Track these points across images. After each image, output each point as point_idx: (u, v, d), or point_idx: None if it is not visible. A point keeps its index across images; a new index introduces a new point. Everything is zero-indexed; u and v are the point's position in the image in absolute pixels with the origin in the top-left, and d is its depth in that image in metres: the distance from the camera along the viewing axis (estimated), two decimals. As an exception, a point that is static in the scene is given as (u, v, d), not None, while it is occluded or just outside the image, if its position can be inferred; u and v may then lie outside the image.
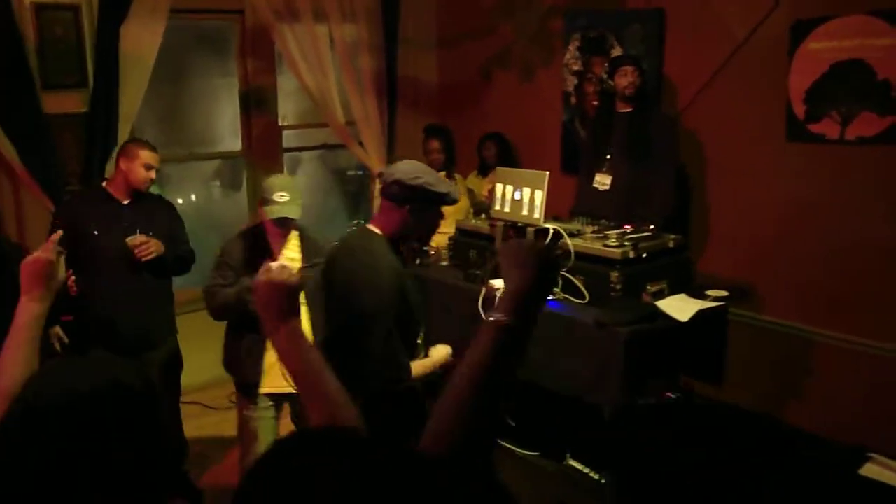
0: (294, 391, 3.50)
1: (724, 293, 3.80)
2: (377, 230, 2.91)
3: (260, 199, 3.58)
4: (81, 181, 4.88)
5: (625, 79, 4.52)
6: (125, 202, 3.97)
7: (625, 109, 4.61)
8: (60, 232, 2.11)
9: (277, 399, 3.72)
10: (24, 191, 4.81)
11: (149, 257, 3.82)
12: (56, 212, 4.30)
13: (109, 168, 4.88)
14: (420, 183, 2.80)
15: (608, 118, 4.73)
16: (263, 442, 3.68)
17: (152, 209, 4.04)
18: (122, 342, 3.84)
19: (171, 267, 4.05)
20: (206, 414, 5.09)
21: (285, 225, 3.57)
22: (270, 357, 3.57)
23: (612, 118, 4.69)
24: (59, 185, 4.78)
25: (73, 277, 3.79)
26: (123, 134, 4.91)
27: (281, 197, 3.46)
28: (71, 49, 4.88)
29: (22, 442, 1.23)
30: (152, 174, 3.97)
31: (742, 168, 4.53)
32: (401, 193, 2.82)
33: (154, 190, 4.26)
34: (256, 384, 3.63)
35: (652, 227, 3.99)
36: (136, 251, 3.81)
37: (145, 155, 3.93)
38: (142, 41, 4.94)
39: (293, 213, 3.50)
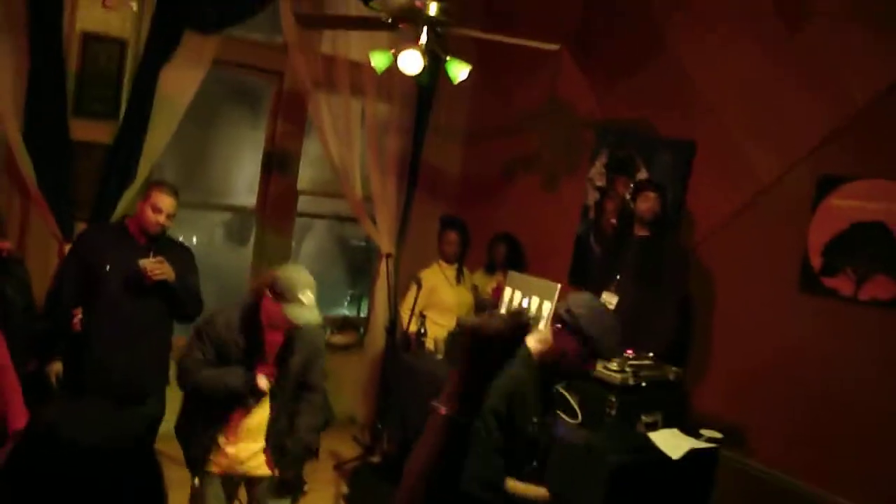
0: (244, 474, 3.42)
1: (718, 435, 3.74)
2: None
3: (275, 292, 3.26)
4: (92, 212, 4.84)
5: (646, 203, 4.55)
6: (142, 242, 3.89)
7: (641, 233, 4.62)
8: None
9: (232, 480, 3.56)
10: (33, 210, 4.77)
11: (159, 277, 3.74)
12: (76, 240, 4.24)
13: (123, 202, 4.88)
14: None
15: (624, 239, 4.74)
16: None
17: (169, 252, 3.92)
18: (114, 387, 3.75)
19: (179, 300, 3.90)
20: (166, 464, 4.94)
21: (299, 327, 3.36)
22: (228, 437, 3.41)
23: (628, 240, 4.69)
24: (68, 212, 4.75)
25: (79, 315, 3.75)
26: (143, 171, 4.91)
27: (305, 297, 3.24)
28: (110, 81, 4.90)
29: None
30: (161, 218, 3.86)
31: (750, 311, 4.50)
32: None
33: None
34: (205, 461, 3.43)
35: (651, 355, 3.95)
36: (148, 270, 3.73)
37: (158, 197, 3.86)
38: (180, 85, 4.98)
39: (315, 319, 3.30)
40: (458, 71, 4.40)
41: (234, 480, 3.56)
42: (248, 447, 3.44)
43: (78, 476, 1.23)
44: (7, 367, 2.85)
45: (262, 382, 3.33)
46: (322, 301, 3.66)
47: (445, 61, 4.42)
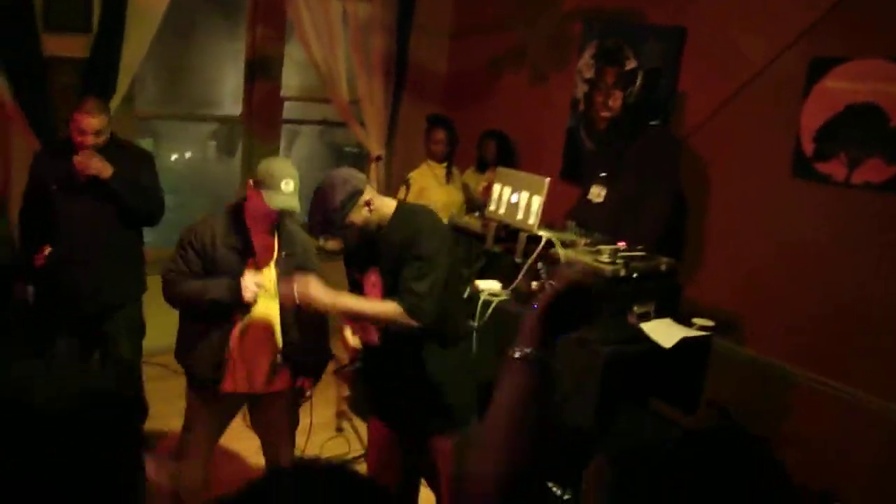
0: (256, 392, 3.39)
1: (711, 323, 3.75)
2: None
3: (256, 180, 3.21)
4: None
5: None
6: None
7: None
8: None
9: (237, 400, 3.50)
10: (13, 129, 4.70)
11: (90, 171, 3.69)
12: (30, 165, 4.15)
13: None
14: None
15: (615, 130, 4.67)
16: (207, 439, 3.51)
17: (120, 158, 3.85)
18: (84, 302, 3.76)
19: (121, 198, 3.83)
20: (169, 377, 5.00)
21: (284, 216, 3.30)
22: (233, 353, 3.32)
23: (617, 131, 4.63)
24: (49, 129, 4.68)
25: (46, 251, 3.72)
26: (123, 85, 4.83)
27: (287, 185, 3.16)
28: (78, -9, 4.76)
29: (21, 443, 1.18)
30: (88, 139, 3.75)
31: (744, 198, 4.47)
32: None
33: (147, 144, 4.17)
34: (215, 381, 3.34)
35: (641, 246, 3.93)
36: (76, 164, 3.68)
37: (79, 119, 3.76)
38: (152, -7, 4.83)
39: (297, 206, 3.23)
40: (437, -37, 4.25)
41: (236, 399, 3.50)
42: (261, 362, 3.37)
43: (51, 442, 1.20)
44: None
45: (249, 292, 3.21)
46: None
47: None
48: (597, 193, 4.54)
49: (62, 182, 3.80)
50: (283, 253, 3.36)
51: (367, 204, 2.99)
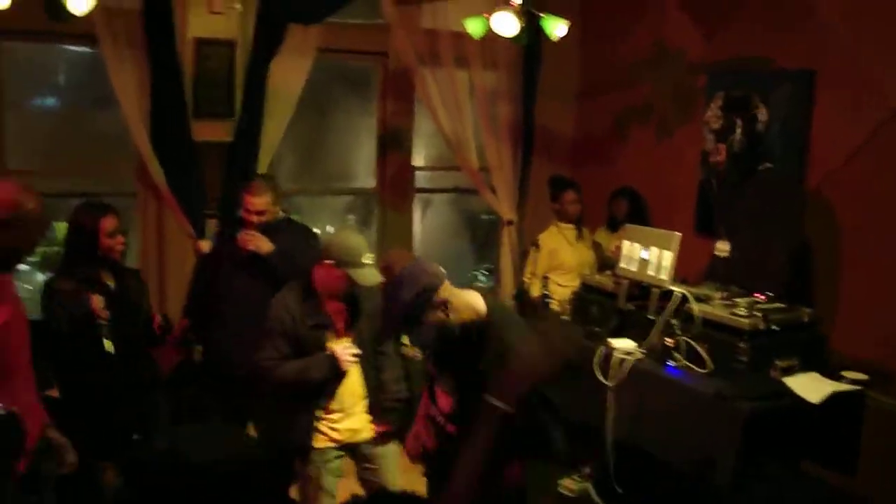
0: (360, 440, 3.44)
1: (863, 376, 3.54)
2: None
3: (335, 260, 3.29)
4: (219, 208, 5.09)
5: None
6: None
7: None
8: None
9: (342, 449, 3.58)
10: (165, 212, 5.06)
11: (250, 247, 3.99)
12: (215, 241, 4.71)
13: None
14: None
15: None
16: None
17: (278, 232, 4.14)
18: (234, 367, 4.02)
19: (276, 273, 4.00)
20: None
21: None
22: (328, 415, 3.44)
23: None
24: (199, 210, 5.01)
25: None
26: (263, 164, 5.12)
27: (367, 259, 3.27)
28: (223, 81, 5.13)
29: None
30: (254, 218, 4.08)
31: (888, 243, 4.22)
32: None
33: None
34: (309, 442, 3.44)
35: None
36: (239, 240, 4.01)
37: (246, 200, 4.11)
38: (289, 77, 5.15)
39: (378, 279, 3.33)
40: (555, 27, 4.33)
41: (335, 453, 3.56)
42: (359, 417, 3.49)
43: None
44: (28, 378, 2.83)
45: (346, 362, 3.32)
46: (450, 275, 3.71)
47: (541, 18, 4.35)
48: (721, 248, 4.40)
49: (231, 258, 4.14)
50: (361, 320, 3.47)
51: (443, 304, 2.71)
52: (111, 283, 3.54)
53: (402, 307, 2.64)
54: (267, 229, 4.11)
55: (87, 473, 3.58)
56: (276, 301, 3.47)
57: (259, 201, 4.09)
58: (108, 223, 3.46)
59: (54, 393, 3.78)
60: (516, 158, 6.04)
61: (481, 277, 7.62)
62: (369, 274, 3.28)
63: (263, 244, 4.04)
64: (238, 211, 4.95)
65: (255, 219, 4.09)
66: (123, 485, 3.59)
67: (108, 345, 3.37)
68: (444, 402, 2.81)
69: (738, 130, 4.36)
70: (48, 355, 3.62)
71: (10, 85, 5.09)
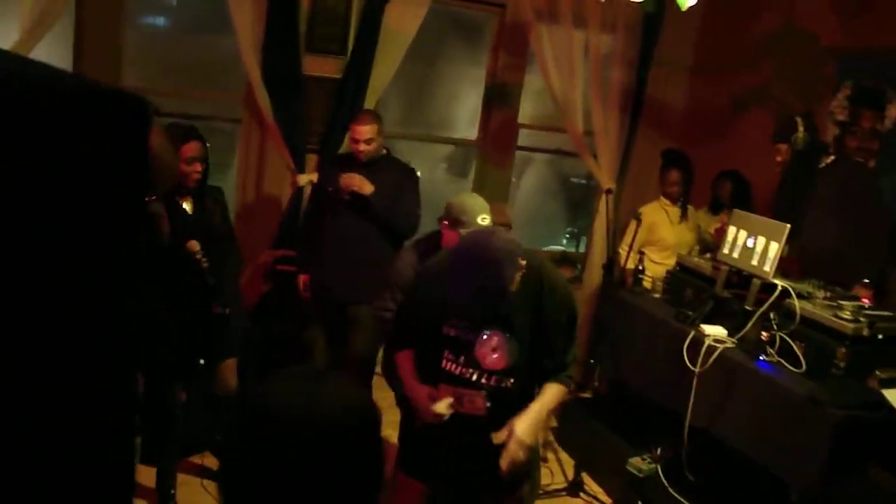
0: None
1: (965, 397, 3.38)
2: None
3: (451, 219, 3.28)
4: (321, 143, 5.13)
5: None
6: (362, 162, 4.24)
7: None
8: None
9: None
10: (268, 143, 5.11)
11: (351, 188, 4.09)
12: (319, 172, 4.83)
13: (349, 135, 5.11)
14: None
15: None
16: None
17: (380, 171, 4.21)
18: (336, 294, 4.27)
19: (375, 212, 4.14)
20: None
21: None
22: None
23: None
24: (301, 144, 5.06)
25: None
26: (369, 104, 5.11)
27: (484, 221, 3.24)
28: (339, 18, 5.12)
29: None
30: (361, 146, 4.16)
31: None
32: None
33: None
34: None
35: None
36: (341, 182, 4.11)
37: (353, 129, 4.20)
38: (404, 20, 5.11)
39: None
40: (688, -2, 4.15)
41: None
42: None
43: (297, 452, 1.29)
44: None
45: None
46: (540, 236, 3.65)
47: (674, -13, 4.18)
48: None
49: (335, 189, 4.23)
50: None
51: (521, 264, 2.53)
52: (188, 207, 3.57)
53: (506, 286, 2.43)
54: (369, 164, 4.18)
55: (163, 394, 3.67)
56: (399, 256, 3.60)
57: (366, 129, 4.16)
58: (188, 149, 3.45)
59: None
60: (623, 126, 5.90)
61: (563, 241, 7.56)
62: None
63: (366, 185, 4.10)
64: (339, 149, 5.03)
65: (362, 147, 4.16)
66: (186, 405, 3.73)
67: (210, 279, 3.45)
68: (494, 360, 2.66)
69: (801, 129, 4.27)
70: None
71: (129, 1, 5.15)
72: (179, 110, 5.03)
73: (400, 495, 2.89)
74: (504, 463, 2.55)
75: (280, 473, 1.27)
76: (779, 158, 4.45)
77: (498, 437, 2.58)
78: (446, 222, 3.32)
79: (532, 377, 2.75)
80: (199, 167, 3.49)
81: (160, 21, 6.66)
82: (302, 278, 4.49)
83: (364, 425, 1.33)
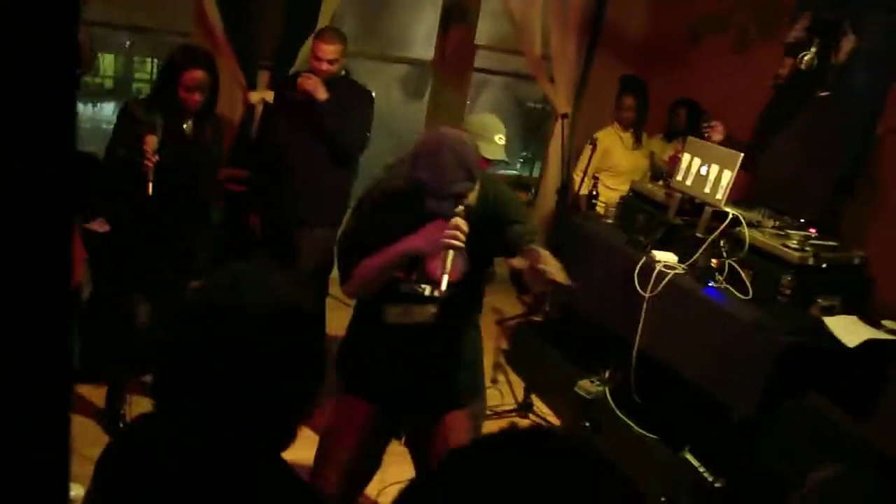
0: None
1: (903, 327, 3.50)
2: None
3: (467, 132, 3.19)
4: (274, 60, 4.99)
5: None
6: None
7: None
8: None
9: None
10: (218, 59, 4.95)
11: (305, 85, 3.93)
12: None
13: (304, 50, 4.98)
14: None
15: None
16: None
17: (342, 90, 4.06)
18: (282, 216, 4.16)
19: (327, 123, 4.00)
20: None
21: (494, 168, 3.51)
22: None
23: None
24: (253, 60, 4.92)
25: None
26: (324, 20, 4.97)
27: (500, 139, 3.41)
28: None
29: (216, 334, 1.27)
30: (324, 66, 3.99)
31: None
32: None
33: None
34: None
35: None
36: (298, 83, 3.96)
37: (317, 46, 4.02)
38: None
39: (506, 158, 3.50)
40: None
41: None
42: None
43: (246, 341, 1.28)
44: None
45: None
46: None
47: None
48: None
49: (287, 109, 4.09)
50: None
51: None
52: (187, 128, 3.53)
53: (473, 162, 2.42)
54: (328, 83, 4.02)
55: (120, 308, 3.66)
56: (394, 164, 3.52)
57: (331, 49, 4.01)
58: (189, 77, 3.42)
59: (99, 226, 3.82)
60: (580, 50, 5.85)
61: (518, 165, 7.56)
62: (498, 149, 3.41)
63: (321, 90, 3.95)
64: (291, 66, 4.89)
65: (325, 67, 4.01)
66: (154, 324, 3.69)
67: (150, 188, 3.37)
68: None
69: (813, 50, 4.20)
70: (98, 186, 3.65)
71: None
72: (128, 21, 4.85)
73: (343, 415, 2.90)
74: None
75: (209, 366, 1.27)
76: (781, 71, 4.33)
77: (517, 261, 2.43)
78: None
79: (479, 286, 2.78)
80: (196, 96, 3.46)
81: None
82: (252, 219, 4.36)
83: (300, 322, 1.31)
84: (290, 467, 1.37)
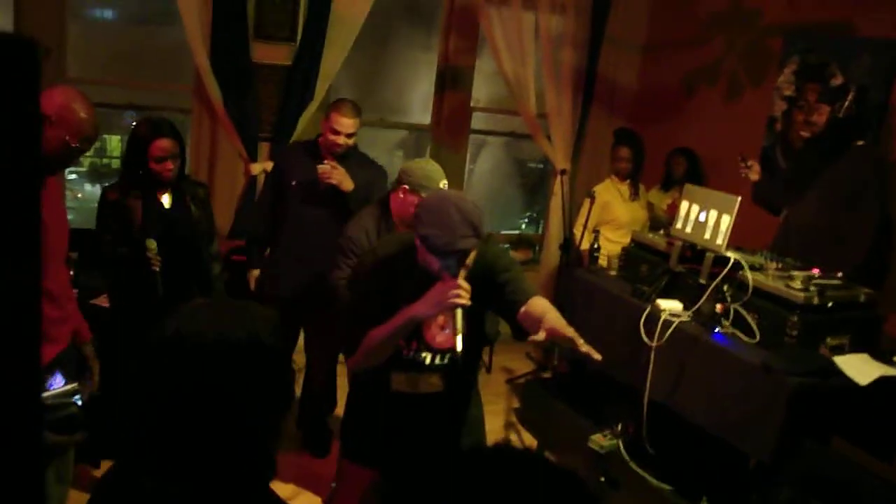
0: None
1: (915, 363, 3.46)
2: None
3: (413, 184, 3.25)
4: (273, 132, 5.08)
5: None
6: (337, 154, 3.98)
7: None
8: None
9: None
10: (220, 132, 5.05)
11: (331, 181, 3.84)
12: (273, 157, 4.56)
13: (302, 122, 5.07)
14: None
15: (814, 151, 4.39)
16: None
17: (354, 167, 3.98)
18: (287, 292, 4.02)
19: (351, 211, 3.90)
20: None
21: None
22: None
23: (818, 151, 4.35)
24: (253, 132, 5.00)
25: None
26: (320, 91, 5.08)
27: (444, 186, 3.24)
28: (287, 4, 5.08)
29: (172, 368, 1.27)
30: (341, 140, 3.91)
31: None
32: None
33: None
34: None
35: (840, 274, 3.68)
36: (320, 172, 3.84)
37: (335, 119, 3.92)
38: (353, 4, 5.09)
39: None
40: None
41: None
42: None
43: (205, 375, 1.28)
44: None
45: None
46: (496, 219, 3.65)
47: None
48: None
49: (301, 182, 3.99)
50: None
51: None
52: (166, 202, 3.52)
53: (480, 221, 2.39)
54: (342, 158, 3.96)
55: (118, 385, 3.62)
56: (353, 222, 3.44)
57: (350, 123, 3.93)
58: (157, 149, 3.38)
59: (103, 302, 3.83)
60: (576, 107, 5.94)
61: (523, 225, 7.59)
62: None
63: (346, 181, 3.88)
64: (290, 136, 4.96)
65: (341, 140, 3.92)
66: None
67: (160, 289, 3.37)
68: (445, 336, 2.62)
69: (849, 99, 4.23)
70: (97, 264, 3.66)
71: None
72: (129, 101, 4.96)
73: (347, 483, 2.87)
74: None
75: (163, 403, 1.27)
76: (816, 118, 4.22)
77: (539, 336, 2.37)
78: (406, 187, 3.27)
79: (478, 348, 2.78)
80: (169, 165, 3.42)
81: (107, 14, 6.56)
82: (253, 273, 4.30)
83: (253, 350, 1.30)
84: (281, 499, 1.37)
